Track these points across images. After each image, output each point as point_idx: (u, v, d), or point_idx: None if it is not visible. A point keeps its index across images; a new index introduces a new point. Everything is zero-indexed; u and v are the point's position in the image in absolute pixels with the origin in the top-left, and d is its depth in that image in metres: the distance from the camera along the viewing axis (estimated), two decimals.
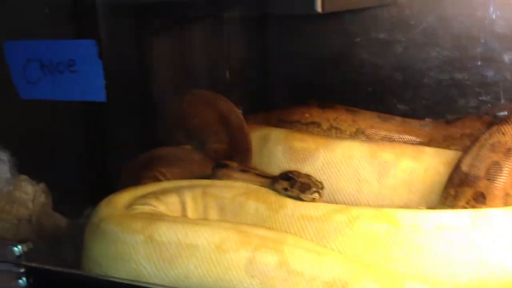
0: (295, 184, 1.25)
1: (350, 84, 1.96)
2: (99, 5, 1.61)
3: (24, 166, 1.42)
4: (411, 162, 1.52)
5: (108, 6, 1.64)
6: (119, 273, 1.10)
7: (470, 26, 1.64)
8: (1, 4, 1.19)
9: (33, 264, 1.14)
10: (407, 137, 1.70)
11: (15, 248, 1.13)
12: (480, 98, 1.59)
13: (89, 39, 1.02)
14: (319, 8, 1.17)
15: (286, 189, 1.27)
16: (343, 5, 1.54)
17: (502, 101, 1.61)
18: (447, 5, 1.69)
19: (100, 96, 1.05)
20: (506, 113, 1.48)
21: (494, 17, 1.55)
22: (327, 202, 1.34)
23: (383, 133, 1.72)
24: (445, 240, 1.07)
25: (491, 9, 1.57)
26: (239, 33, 2.18)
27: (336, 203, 1.51)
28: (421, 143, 1.66)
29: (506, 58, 1.52)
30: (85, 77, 1.05)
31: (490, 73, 1.62)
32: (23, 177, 1.41)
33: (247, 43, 2.21)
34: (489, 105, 1.55)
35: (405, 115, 1.76)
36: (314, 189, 1.21)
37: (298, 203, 1.22)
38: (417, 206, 1.42)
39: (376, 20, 1.84)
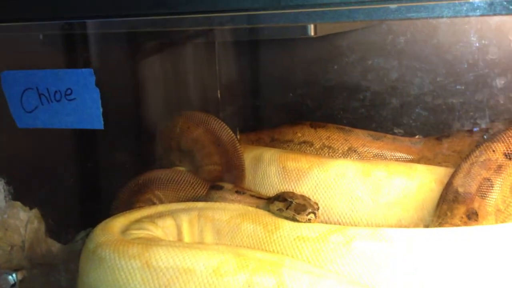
0: (291, 206, 1.26)
1: (342, 105, 1.98)
2: (89, 33, 1.62)
3: (16, 193, 1.41)
4: (404, 180, 1.53)
5: (98, 34, 1.65)
6: None
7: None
8: None
9: None
10: (398, 154, 1.72)
11: (10, 277, 1.12)
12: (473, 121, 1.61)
13: (85, 68, 1.03)
14: (311, 33, 1.20)
15: (281, 210, 1.28)
16: (332, 28, 1.57)
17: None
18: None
19: (98, 124, 1.05)
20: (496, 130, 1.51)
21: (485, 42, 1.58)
22: (321, 221, 1.35)
23: (375, 151, 1.73)
24: (441, 258, 1.08)
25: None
26: (230, 55, 2.20)
27: (330, 221, 1.53)
28: (412, 160, 1.68)
29: (497, 82, 1.55)
30: (82, 105, 1.05)
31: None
32: (16, 203, 1.40)
33: (238, 64, 2.23)
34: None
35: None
36: (309, 210, 1.22)
37: (294, 224, 1.23)
38: (414, 225, 1.43)
39: (364, 42, 1.87)
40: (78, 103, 1.05)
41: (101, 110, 1.05)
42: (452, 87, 1.61)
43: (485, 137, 1.46)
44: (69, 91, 1.04)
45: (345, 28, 1.69)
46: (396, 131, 1.74)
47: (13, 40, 1.25)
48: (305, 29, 1.28)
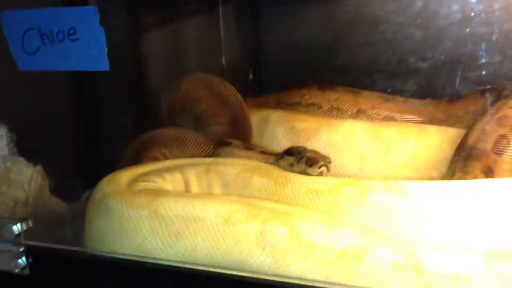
0: (302, 159, 1.22)
1: (347, 66, 1.93)
2: None
3: (20, 149, 1.37)
4: (415, 140, 1.50)
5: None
6: (124, 248, 1.06)
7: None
8: None
9: (33, 243, 1.09)
10: (409, 116, 1.68)
11: (14, 227, 1.09)
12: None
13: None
14: None
15: (291, 165, 1.25)
16: None
17: None
18: None
19: (102, 64, 1.01)
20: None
21: None
22: None
23: (385, 113, 1.70)
24: (455, 209, 1.05)
25: None
26: (234, 19, 2.16)
27: None
28: (423, 122, 1.65)
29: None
30: (86, 45, 1.00)
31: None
32: (19, 159, 1.36)
33: (242, 27, 2.18)
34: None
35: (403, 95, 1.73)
36: (321, 162, 1.19)
37: (305, 177, 1.19)
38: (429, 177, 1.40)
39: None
40: (82, 43, 1.00)
41: (106, 50, 1.01)
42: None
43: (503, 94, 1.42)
44: (72, 31, 0.99)
45: None
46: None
47: None
48: None
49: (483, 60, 1.47)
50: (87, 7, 1.00)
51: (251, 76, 1.71)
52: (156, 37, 1.95)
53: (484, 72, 1.52)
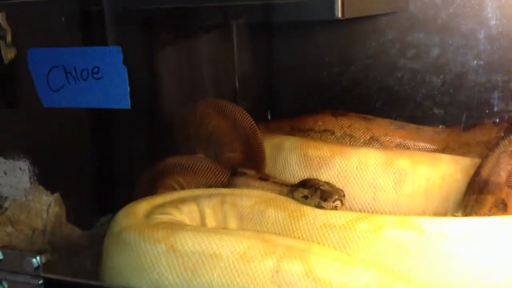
0: (316, 192, 1.23)
1: (361, 92, 1.94)
2: (107, 13, 1.60)
3: (39, 176, 1.40)
4: (428, 170, 1.50)
5: (116, 14, 1.64)
6: (141, 283, 1.08)
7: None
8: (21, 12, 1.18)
9: (52, 276, 1.11)
10: (422, 144, 1.69)
11: (34, 260, 1.11)
12: None
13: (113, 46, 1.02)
14: (339, 15, 1.17)
15: (306, 197, 1.26)
16: (361, 11, 1.53)
17: None
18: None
19: (125, 103, 1.04)
20: None
21: None
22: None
23: (397, 140, 1.71)
24: (473, 247, 1.05)
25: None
26: (248, 39, 2.18)
27: (352, 211, 1.50)
28: (436, 150, 1.65)
29: None
30: (109, 84, 1.03)
31: None
32: (39, 187, 1.39)
33: (256, 49, 2.20)
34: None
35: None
36: (336, 196, 1.20)
37: (319, 211, 1.20)
38: (450, 213, 1.41)
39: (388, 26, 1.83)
40: (105, 81, 1.03)
41: (128, 89, 1.03)
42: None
43: None
44: (96, 70, 1.03)
45: (372, 11, 1.65)
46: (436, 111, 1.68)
47: (39, 17, 1.23)
48: (332, 10, 1.24)
49: (499, 107, 1.47)
50: (111, 47, 1.03)
51: (269, 115, 1.72)
52: (169, 58, 1.97)
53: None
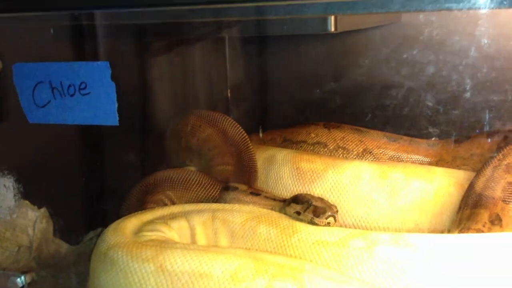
0: (309, 208, 1.21)
1: (353, 104, 1.93)
2: (98, 27, 1.59)
3: (25, 191, 1.37)
4: (422, 183, 1.49)
5: (107, 28, 1.62)
6: None
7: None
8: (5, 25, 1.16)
9: None
10: (415, 156, 1.67)
11: (18, 280, 1.08)
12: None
13: (102, 61, 0.99)
14: (332, 29, 1.15)
15: (298, 213, 1.24)
16: (353, 24, 1.53)
17: None
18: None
19: (112, 120, 1.01)
20: None
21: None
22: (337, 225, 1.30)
23: (391, 153, 1.69)
24: (468, 266, 1.04)
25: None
26: (240, 53, 2.16)
27: (345, 225, 1.48)
28: (430, 163, 1.64)
29: None
30: (97, 100, 1.00)
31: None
32: (25, 202, 1.36)
33: (247, 60, 2.19)
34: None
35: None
36: (329, 213, 1.18)
37: (312, 227, 1.18)
38: (444, 227, 1.39)
39: (381, 39, 1.82)
40: (93, 97, 1.00)
41: (116, 105, 1.01)
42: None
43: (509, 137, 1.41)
44: (83, 85, 1.00)
45: (365, 24, 1.64)
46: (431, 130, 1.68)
47: (24, 32, 1.20)
48: (325, 23, 1.23)
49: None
50: (99, 62, 1.00)
51: (260, 133, 1.71)
52: (161, 69, 1.95)
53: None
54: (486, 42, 1.27)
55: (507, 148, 1.37)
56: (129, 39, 1.80)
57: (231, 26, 1.64)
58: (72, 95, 1.01)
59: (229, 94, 2.14)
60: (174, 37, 1.94)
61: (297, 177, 1.58)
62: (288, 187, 1.57)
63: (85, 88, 1.00)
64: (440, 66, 1.59)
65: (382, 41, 1.76)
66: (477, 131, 1.56)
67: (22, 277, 1.07)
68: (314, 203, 1.21)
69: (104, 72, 0.98)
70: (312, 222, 1.19)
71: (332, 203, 1.25)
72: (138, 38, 1.84)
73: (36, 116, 1.06)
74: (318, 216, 1.18)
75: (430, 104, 1.65)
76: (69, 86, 1.01)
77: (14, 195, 1.24)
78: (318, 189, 1.53)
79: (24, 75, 1.04)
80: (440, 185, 1.48)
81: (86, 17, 1.33)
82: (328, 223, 1.17)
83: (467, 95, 1.48)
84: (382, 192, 1.50)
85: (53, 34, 1.37)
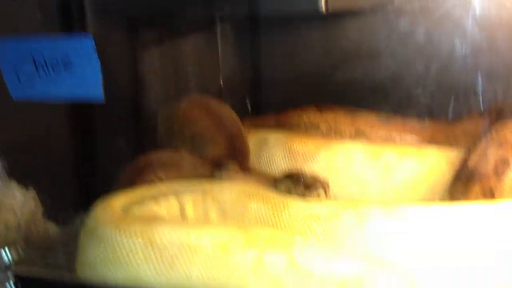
0: (299, 183, 1.20)
1: (348, 87, 1.92)
2: (88, 11, 1.57)
3: (13, 172, 1.35)
4: (414, 162, 1.48)
5: (98, 12, 1.60)
6: (117, 278, 1.03)
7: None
8: None
9: (23, 269, 1.06)
10: (408, 136, 1.66)
11: (2, 251, 1.06)
12: None
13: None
14: (322, 8, 1.14)
15: (290, 188, 1.23)
16: (345, 5, 1.50)
17: None
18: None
19: (98, 95, 0.98)
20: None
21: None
22: None
23: (383, 133, 1.68)
24: (459, 234, 1.03)
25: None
26: (233, 38, 2.15)
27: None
28: (422, 143, 1.63)
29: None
30: (81, 75, 0.98)
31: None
32: (12, 183, 1.34)
33: (240, 48, 2.17)
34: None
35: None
36: (319, 186, 1.17)
37: (303, 203, 1.17)
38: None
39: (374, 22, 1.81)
40: (77, 72, 0.98)
41: (101, 80, 0.98)
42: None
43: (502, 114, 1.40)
44: (67, 60, 0.97)
45: (359, 4, 1.62)
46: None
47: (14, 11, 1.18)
48: (316, 2, 1.22)
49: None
50: (82, 35, 0.98)
51: (248, 106, 1.69)
52: (153, 57, 1.94)
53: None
54: None
55: (500, 124, 1.37)
56: (123, 26, 1.79)
57: (222, 7, 1.63)
58: (55, 71, 0.99)
59: (221, 80, 2.13)
60: (166, 28, 1.93)
61: (290, 158, 1.57)
62: (281, 168, 1.55)
63: (68, 63, 0.98)
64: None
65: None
66: (471, 108, 1.55)
67: (7, 250, 1.04)
68: (305, 177, 1.20)
69: (87, 46, 0.96)
70: (303, 195, 1.18)
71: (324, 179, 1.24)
72: (131, 25, 1.83)
73: (20, 93, 1.03)
74: (308, 188, 1.17)
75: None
76: (53, 60, 0.99)
77: (1, 176, 1.22)
78: (310, 171, 1.52)
79: (6, 50, 1.02)
80: (433, 164, 1.47)
81: None
82: (318, 195, 1.16)
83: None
84: (375, 172, 1.50)
85: (41, 17, 1.35)
